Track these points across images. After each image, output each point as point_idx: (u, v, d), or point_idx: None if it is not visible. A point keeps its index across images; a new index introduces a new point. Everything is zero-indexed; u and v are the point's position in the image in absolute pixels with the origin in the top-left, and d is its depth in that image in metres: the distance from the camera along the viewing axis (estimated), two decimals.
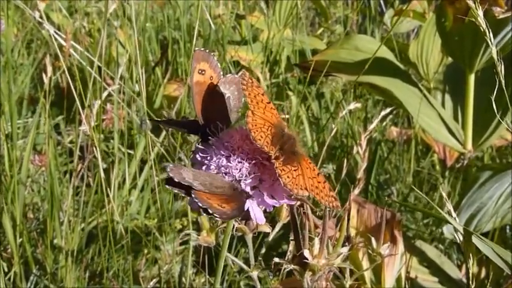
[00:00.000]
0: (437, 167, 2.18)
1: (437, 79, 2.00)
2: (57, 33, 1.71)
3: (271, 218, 0.82)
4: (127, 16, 2.12)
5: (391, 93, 1.55)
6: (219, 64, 0.78)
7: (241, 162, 0.68)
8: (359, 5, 2.77)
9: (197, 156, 0.71)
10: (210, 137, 0.72)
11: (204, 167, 0.70)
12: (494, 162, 2.11)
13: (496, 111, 0.92)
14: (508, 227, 1.75)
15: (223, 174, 0.68)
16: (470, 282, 0.82)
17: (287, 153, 0.70)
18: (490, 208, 1.51)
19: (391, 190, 2.01)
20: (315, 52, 2.19)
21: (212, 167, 0.69)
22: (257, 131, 0.68)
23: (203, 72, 0.77)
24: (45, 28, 1.46)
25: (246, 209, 0.67)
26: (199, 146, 0.72)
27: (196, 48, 0.77)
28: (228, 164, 0.68)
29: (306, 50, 2.27)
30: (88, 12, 2.70)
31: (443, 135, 1.62)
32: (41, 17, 1.40)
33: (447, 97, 1.78)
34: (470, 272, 0.81)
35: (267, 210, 0.68)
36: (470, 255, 0.83)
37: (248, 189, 0.68)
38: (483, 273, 1.56)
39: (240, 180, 0.68)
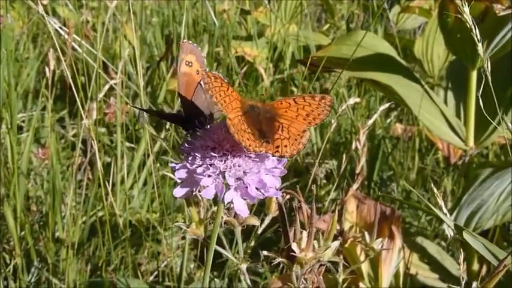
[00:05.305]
0: (442, 164, 2.17)
1: (441, 76, 2.00)
2: (60, 27, 1.72)
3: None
4: (132, 10, 2.13)
5: (393, 90, 1.55)
6: (204, 59, 0.79)
7: (226, 154, 0.69)
8: (362, 1, 2.77)
9: (185, 146, 0.71)
10: (196, 128, 0.73)
11: (190, 158, 0.70)
12: (498, 159, 2.10)
13: (490, 109, 0.92)
14: (510, 224, 1.74)
15: (208, 166, 0.68)
16: (461, 278, 0.82)
17: (266, 124, 0.72)
18: (490, 205, 1.50)
19: (393, 187, 2.01)
20: (319, 48, 2.19)
21: (198, 157, 0.69)
22: (239, 133, 0.69)
23: (190, 64, 0.78)
24: (48, 22, 1.46)
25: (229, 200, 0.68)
26: (188, 138, 0.73)
27: (184, 40, 0.77)
28: (213, 155, 0.69)
29: (310, 46, 2.27)
30: (94, 7, 2.71)
31: (445, 132, 1.61)
32: (44, 11, 1.41)
33: (450, 94, 1.77)
34: (461, 267, 0.81)
35: (250, 202, 0.68)
36: (461, 250, 0.83)
37: (232, 181, 0.68)
38: (484, 270, 1.56)
39: (224, 171, 0.68)
